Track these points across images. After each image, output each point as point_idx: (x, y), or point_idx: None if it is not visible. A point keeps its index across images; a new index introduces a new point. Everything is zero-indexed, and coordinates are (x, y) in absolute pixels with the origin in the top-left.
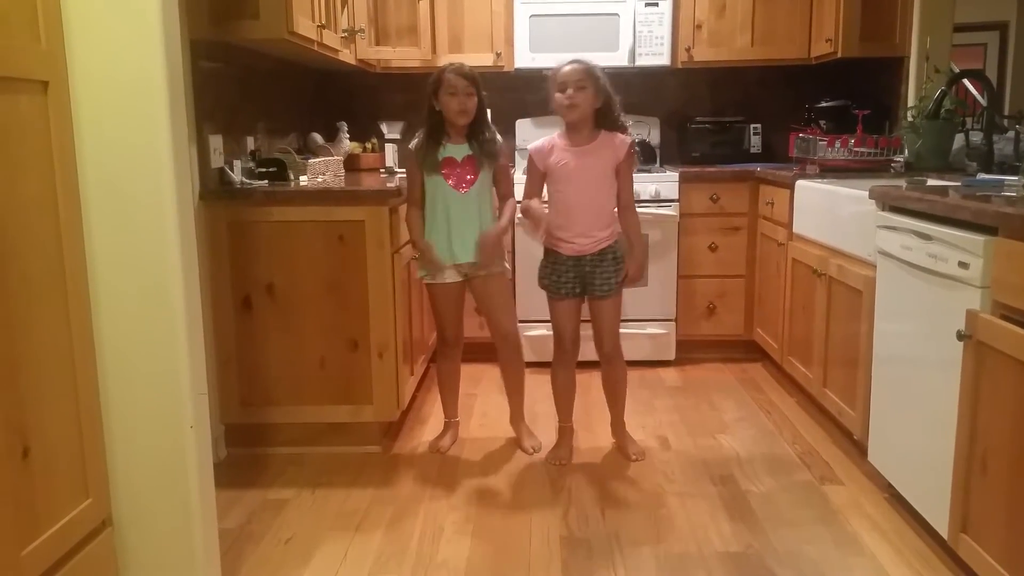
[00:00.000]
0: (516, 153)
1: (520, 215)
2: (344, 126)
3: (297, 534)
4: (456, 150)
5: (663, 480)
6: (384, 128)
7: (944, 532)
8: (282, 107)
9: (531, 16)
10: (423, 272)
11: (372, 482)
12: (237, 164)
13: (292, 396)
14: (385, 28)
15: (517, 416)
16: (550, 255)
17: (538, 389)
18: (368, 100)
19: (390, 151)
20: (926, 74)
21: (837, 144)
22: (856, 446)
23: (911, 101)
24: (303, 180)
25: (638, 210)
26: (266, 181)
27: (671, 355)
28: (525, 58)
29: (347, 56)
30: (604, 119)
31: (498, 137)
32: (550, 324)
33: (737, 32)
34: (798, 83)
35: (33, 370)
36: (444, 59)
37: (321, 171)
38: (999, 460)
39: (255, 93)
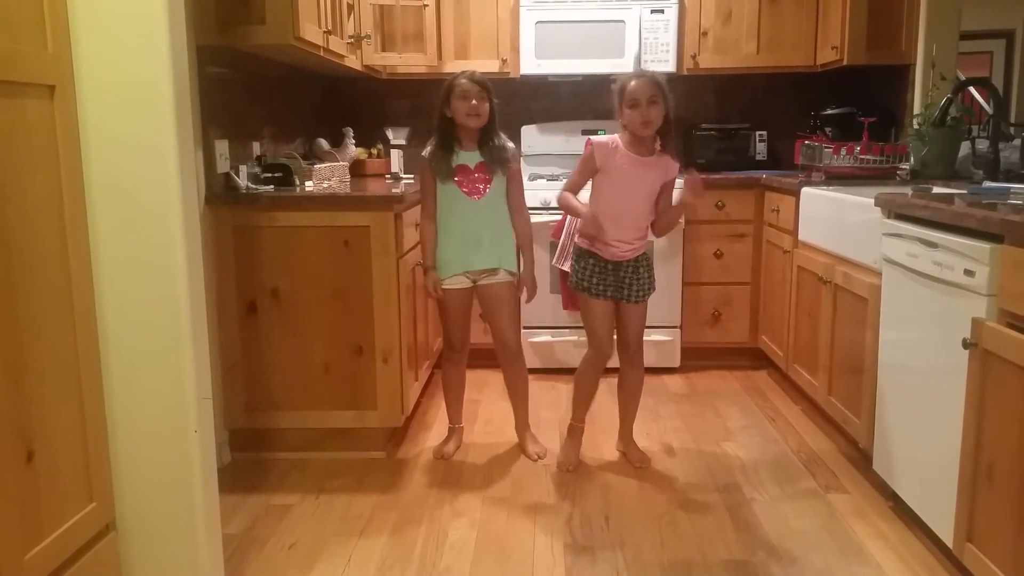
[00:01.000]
0: (523, 160)
1: (561, 206)
2: (350, 132)
3: (301, 539)
4: (468, 157)
5: (668, 487)
6: (390, 134)
7: (949, 541)
8: (288, 113)
9: (537, 23)
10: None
11: (376, 487)
12: (243, 169)
13: (297, 401)
14: (391, 34)
15: (522, 424)
16: (589, 257)
17: (543, 395)
18: (374, 106)
19: (396, 157)
20: (932, 82)
21: (843, 151)
22: (861, 454)
23: (917, 109)
24: (309, 185)
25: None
26: (272, 186)
27: (676, 362)
28: (531, 65)
29: (353, 62)
30: (665, 136)
31: (509, 144)
32: (554, 333)
33: (743, 39)
34: (804, 90)
35: (38, 374)
36: (450, 65)
37: (327, 176)
38: (1005, 469)
39: (261, 98)
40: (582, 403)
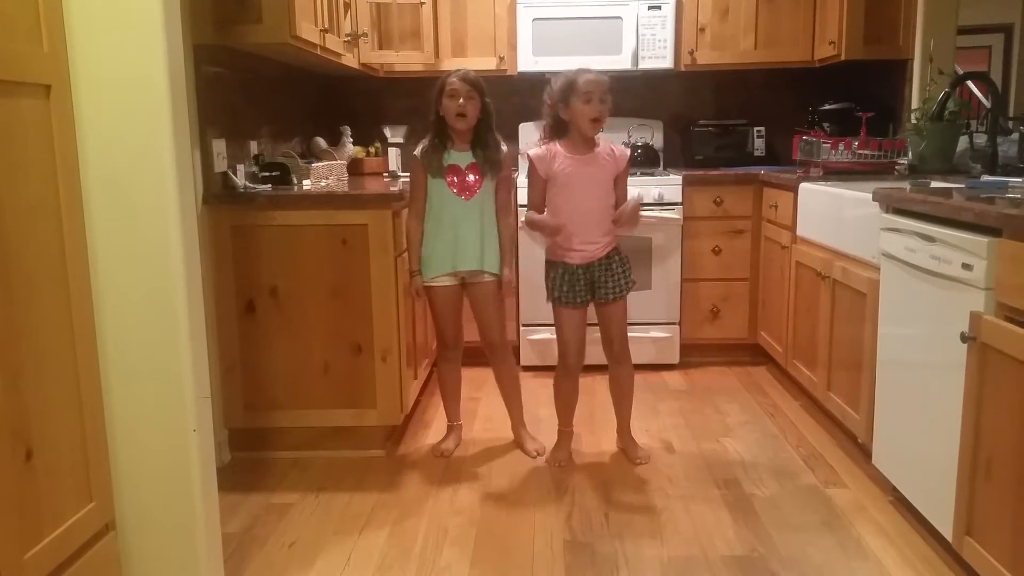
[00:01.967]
0: (519, 158)
1: (528, 226)
2: (347, 130)
3: (301, 538)
4: (460, 157)
5: (667, 484)
6: (387, 132)
7: (948, 535)
8: (285, 111)
9: (534, 20)
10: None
11: (376, 486)
12: (240, 168)
13: (296, 400)
14: (388, 32)
15: (517, 422)
16: (557, 267)
17: (541, 392)
18: (371, 104)
19: (393, 155)
20: (930, 76)
21: (841, 147)
22: (860, 449)
23: (915, 103)
24: (306, 184)
25: (642, 214)
26: (269, 185)
27: (675, 358)
28: (528, 62)
29: (350, 60)
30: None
31: (503, 146)
32: (553, 331)
33: (740, 35)
34: (802, 86)
35: (36, 373)
36: (447, 63)
37: (324, 175)
38: (1003, 462)
39: (258, 97)
40: (564, 410)
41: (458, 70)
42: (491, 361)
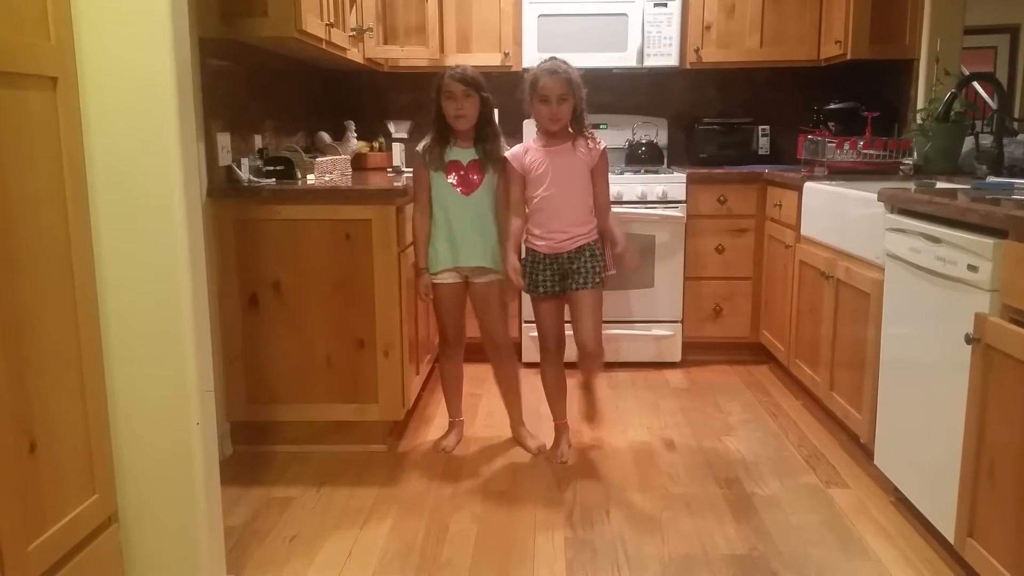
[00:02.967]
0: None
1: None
2: (352, 125)
3: (302, 532)
4: (462, 153)
5: (668, 482)
6: (391, 127)
7: (950, 536)
8: (290, 106)
9: (540, 16)
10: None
11: (377, 481)
12: (245, 162)
13: (298, 394)
14: (393, 27)
15: (516, 421)
16: (528, 254)
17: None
18: (376, 99)
19: (397, 150)
20: (936, 76)
21: (846, 146)
22: (862, 449)
23: (920, 103)
24: (310, 179)
25: (645, 211)
26: (273, 179)
27: (677, 357)
28: (533, 58)
29: (355, 55)
30: (576, 123)
31: (503, 143)
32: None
33: (746, 33)
34: (807, 85)
35: (40, 366)
36: (452, 59)
37: (328, 170)
38: (1007, 464)
39: (263, 91)
40: (555, 402)
41: (455, 67)
42: (492, 361)
